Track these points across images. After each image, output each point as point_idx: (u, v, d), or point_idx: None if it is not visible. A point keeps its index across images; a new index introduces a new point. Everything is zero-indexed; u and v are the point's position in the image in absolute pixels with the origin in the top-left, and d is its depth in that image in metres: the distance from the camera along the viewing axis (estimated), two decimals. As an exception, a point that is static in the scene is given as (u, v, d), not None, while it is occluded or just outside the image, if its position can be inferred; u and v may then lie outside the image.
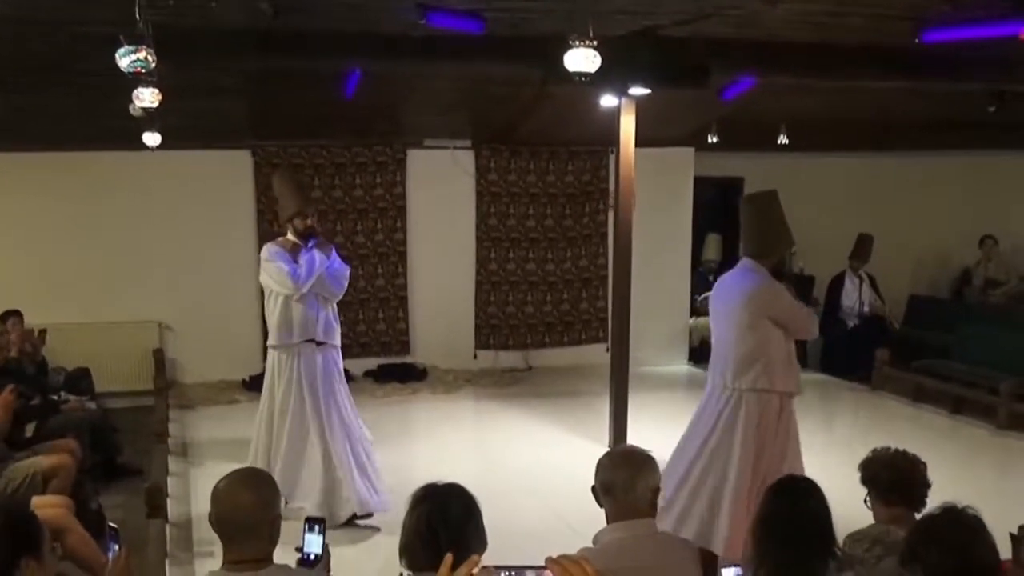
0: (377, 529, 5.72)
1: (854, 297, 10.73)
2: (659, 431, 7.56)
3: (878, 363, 9.55)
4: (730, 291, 4.89)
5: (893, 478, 3.50)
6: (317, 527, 2.96)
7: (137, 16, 4.24)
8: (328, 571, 2.97)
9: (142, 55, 4.29)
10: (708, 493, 4.77)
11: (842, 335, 10.62)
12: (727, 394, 4.82)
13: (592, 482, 3.17)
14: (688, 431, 5.09)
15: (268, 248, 5.85)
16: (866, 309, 10.70)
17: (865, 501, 3.57)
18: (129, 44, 4.26)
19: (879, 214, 11.13)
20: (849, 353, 10.26)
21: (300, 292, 5.68)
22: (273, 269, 5.71)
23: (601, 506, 3.16)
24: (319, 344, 5.78)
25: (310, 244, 5.75)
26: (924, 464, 3.61)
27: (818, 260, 10.75)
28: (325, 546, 2.95)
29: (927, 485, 3.54)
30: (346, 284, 5.96)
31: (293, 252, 5.74)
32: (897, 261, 10.30)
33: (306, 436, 5.75)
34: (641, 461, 3.14)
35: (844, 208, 11.31)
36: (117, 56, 4.26)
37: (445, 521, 2.68)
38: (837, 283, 10.82)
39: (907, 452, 3.65)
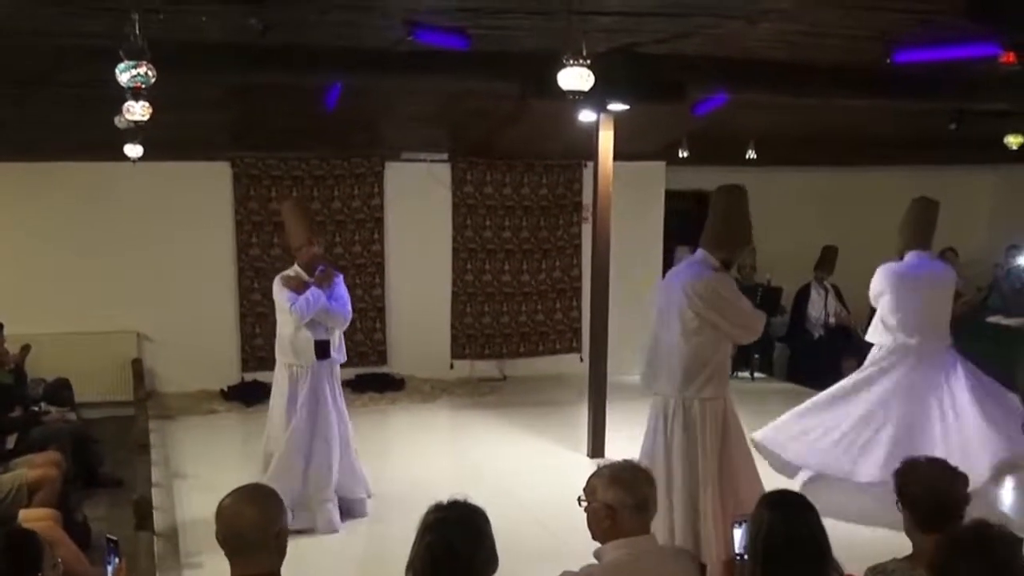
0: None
1: (820, 307, 10.93)
2: (633, 439, 7.73)
3: (844, 372, 9.71)
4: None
5: (934, 504, 3.16)
6: None
7: (136, 31, 4.31)
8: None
9: (143, 70, 4.35)
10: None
11: (808, 345, 10.82)
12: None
13: (582, 493, 3.13)
14: None
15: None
16: (832, 319, 10.89)
17: (897, 504, 3.29)
18: (129, 59, 4.33)
19: (844, 227, 11.32)
20: (815, 363, 10.41)
21: None
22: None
23: (603, 523, 3.09)
24: None
25: None
26: (964, 476, 3.29)
27: (785, 271, 10.95)
28: None
29: (967, 501, 3.21)
30: None
31: None
32: (862, 272, 10.49)
33: None
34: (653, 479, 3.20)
35: (810, 221, 11.50)
36: (117, 71, 4.31)
37: (452, 556, 2.65)
38: (803, 294, 11.02)
39: (946, 465, 3.31)
